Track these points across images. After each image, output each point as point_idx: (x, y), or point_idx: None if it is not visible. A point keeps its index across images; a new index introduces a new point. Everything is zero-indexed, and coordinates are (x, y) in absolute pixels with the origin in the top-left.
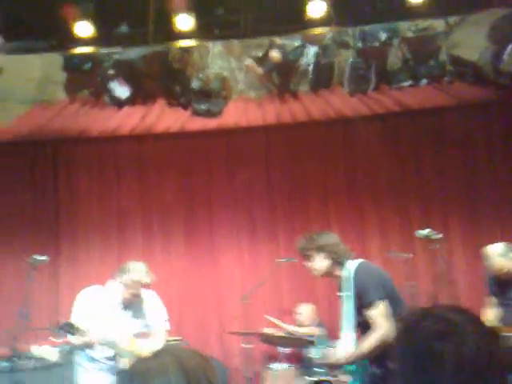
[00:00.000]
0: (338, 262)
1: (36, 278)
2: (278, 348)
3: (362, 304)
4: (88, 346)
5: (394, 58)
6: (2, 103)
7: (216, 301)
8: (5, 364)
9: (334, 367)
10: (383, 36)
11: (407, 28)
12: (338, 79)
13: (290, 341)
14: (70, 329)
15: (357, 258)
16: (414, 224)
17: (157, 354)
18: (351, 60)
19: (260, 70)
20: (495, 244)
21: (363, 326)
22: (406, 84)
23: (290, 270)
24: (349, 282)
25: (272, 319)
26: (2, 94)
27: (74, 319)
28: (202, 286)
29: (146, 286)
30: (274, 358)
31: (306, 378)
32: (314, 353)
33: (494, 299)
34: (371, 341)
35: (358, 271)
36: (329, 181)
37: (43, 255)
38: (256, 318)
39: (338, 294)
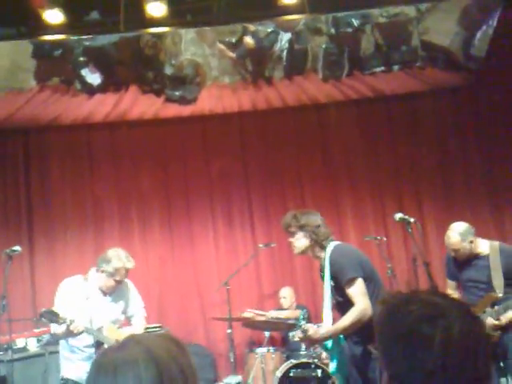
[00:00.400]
0: (318, 242)
1: (12, 269)
2: (264, 332)
3: (339, 284)
4: (69, 334)
5: (367, 44)
6: None
7: (196, 287)
8: None
9: (311, 343)
10: (356, 22)
11: (379, 14)
12: (312, 65)
13: (272, 325)
14: (52, 316)
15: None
16: (389, 208)
17: (123, 345)
18: (324, 46)
19: (232, 55)
20: (459, 222)
21: (341, 307)
22: (378, 70)
23: (268, 254)
24: (326, 263)
25: (253, 311)
26: None
27: (57, 308)
28: (181, 273)
29: (128, 272)
30: (258, 342)
31: (291, 361)
32: (294, 334)
33: (451, 282)
34: (349, 317)
35: (334, 252)
36: (304, 166)
37: (17, 246)
38: (237, 304)
39: (320, 274)
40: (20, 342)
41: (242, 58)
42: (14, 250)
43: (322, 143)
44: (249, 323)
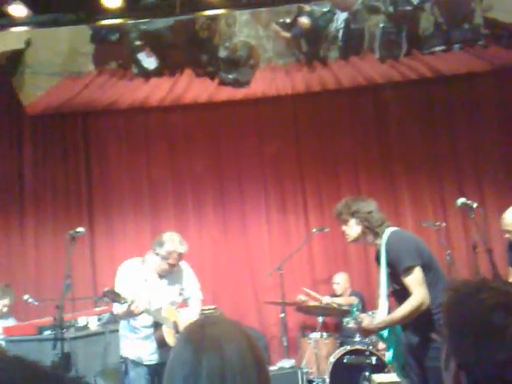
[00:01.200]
0: (371, 229)
1: (74, 249)
2: (317, 318)
3: (396, 272)
4: (130, 314)
5: (426, 23)
6: (33, 76)
7: (249, 271)
8: (49, 332)
9: (367, 333)
10: (415, 0)
11: None
12: (369, 45)
13: (325, 310)
14: (114, 296)
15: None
16: (447, 192)
17: (214, 322)
18: (382, 25)
19: (287, 35)
20: None
21: (398, 295)
22: (438, 49)
23: (322, 239)
24: (382, 250)
25: (309, 291)
26: (32, 67)
27: (117, 289)
28: (234, 256)
29: (182, 256)
30: (310, 327)
31: (345, 347)
32: (348, 320)
33: None
34: (405, 308)
35: (390, 239)
36: (359, 149)
37: (80, 227)
38: (290, 288)
39: (376, 261)
40: (81, 321)
41: (296, 38)
42: (78, 232)
43: (378, 125)
44: (302, 308)
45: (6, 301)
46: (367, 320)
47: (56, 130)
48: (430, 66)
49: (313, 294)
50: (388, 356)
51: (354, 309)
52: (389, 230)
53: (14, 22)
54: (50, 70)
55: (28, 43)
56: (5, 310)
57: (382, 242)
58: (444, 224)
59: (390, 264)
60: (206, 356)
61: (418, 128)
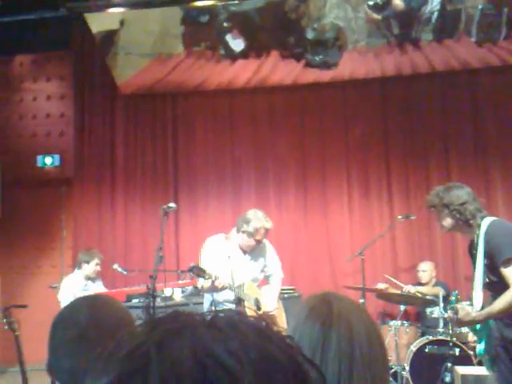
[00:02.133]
0: (464, 221)
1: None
2: (399, 306)
3: (495, 263)
4: (214, 289)
5: None
6: (126, 56)
7: (328, 255)
8: (137, 301)
9: (462, 324)
10: None
11: None
12: (465, 27)
13: (407, 299)
14: (200, 272)
15: (490, 216)
16: None
17: (343, 298)
18: (481, 7)
19: (378, 17)
20: None
21: (494, 287)
22: None
23: (406, 227)
24: (480, 240)
25: (390, 277)
26: (125, 48)
27: (202, 264)
28: (313, 239)
29: (268, 231)
30: (391, 315)
31: (427, 336)
32: (431, 308)
33: None
34: (503, 300)
35: (490, 229)
36: (451, 136)
37: (172, 203)
38: (371, 275)
39: (470, 252)
40: (167, 292)
41: (388, 20)
42: (170, 207)
43: (473, 110)
44: (383, 295)
45: (96, 260)
46: (464, 311)
47: (147, 109)
48: None
49: (394, 281)
50: (479, 348)
51: (454, 298)
52: (488, 220)
53: (111, 3)
54: (142, 51)
55: (122, 23)
56: (98, 268)
57: (480, 232)
58: None
59: (488, 255)
60: (336, 330)
61: None
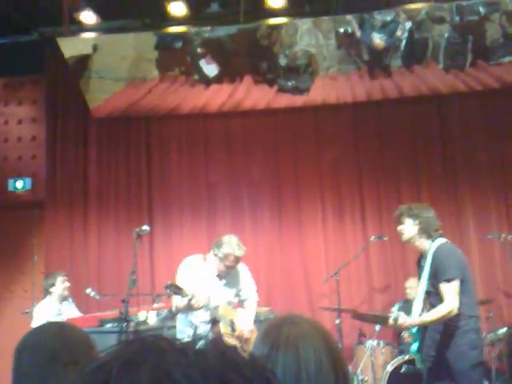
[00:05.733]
0: (426, 231)
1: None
2: (374, 326)
3: (437, 280)
4: (190, 308)
5: (494, 33)
6: (99, 80)
7: (303, 276)
8: (110, 325)
9: (400, 328)
10: (482, 10)
11: (509, 1)
12: (433, 54)
13: (381, 319)
14: (176, 289)
15: (443, 236)
16: None
17: (291, 321)
18: (447, 35)
19: (349, 45)
20: None
21: (434, 298)
22: (506, 60)
23: (379, 247)
24: (429, 255)
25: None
26: (98, 72)
27: (179, 283)
28: (289, 261)
29: (239, 259)
30: (367, 334)
31: (403, 356)
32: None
33: None
34: (437, 312)
35: (439, 249)
36: (421, 159)
37: (145, 226)
38: (346, 295)
39: (418, 264)
40: (141, 316)
41: (359, 47)
42: (143, 230)
43: (442, 136)
44: (358, 315)
45: (60, 278)
46: (402, 319)
47: (120, 133)
48: (497, 77)
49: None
50: (413, 348)
51: (393, 311)
52: (439, 240)
53: (84, 28)
54: (116, 75)
55: (95, 48)
56: (66, 284)
57: (431, 248)
58: (510, 236)
59: (433, 270)
60: (282, 354)
61: (483, 139)
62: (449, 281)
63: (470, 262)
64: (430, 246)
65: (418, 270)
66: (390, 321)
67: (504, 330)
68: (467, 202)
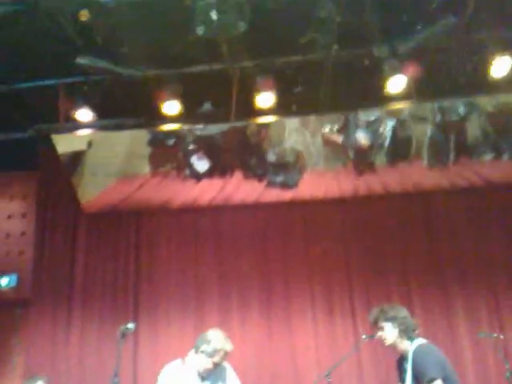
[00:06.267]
0: (406, 333)
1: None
2: None
3: (420, 382)
4: None
5: (474, 132)
6: (91, 176)
7: (293, 375)
8: None
9: None
10: (462, 110)
11: (487, 102)
12: (416, 152)
13: None
14: None
15: (425, 337)
16: (504, 301)
17: None
18: (429, 134)
19: (335, 142)
20: None
21: None
22: (487, 158)
23: (371, 345)
24: (409, 357)
25: None
26: (91, 168)
27: None
28: (278, 359)
29: (228, 354)
30: None
31: None
32: None
33: None
34: None
35: (418, 350)
36: (409, 255)
37: (130, 323)
38: None
39: (398, 365)
40: None
41: (344, 145)
42: (128, 328)
43: (429, 232)
44: None
45: (41, 382)
46: None
47: (110, 228)
48: (480, 174)
49: None
50: None
51: None
52: (417, 341)
53: (79, 125)
54: (108, 171)
55: (90, 145)
56: None
57: (411, 349)
58: (502, 336)
59: (415, 372)
60: None
61: (469, 236)
62: (430, 382)
63: (461, 361)
64: (409, 348)
65: (398, 371)
66: None
67: None
68: (457, 298)
